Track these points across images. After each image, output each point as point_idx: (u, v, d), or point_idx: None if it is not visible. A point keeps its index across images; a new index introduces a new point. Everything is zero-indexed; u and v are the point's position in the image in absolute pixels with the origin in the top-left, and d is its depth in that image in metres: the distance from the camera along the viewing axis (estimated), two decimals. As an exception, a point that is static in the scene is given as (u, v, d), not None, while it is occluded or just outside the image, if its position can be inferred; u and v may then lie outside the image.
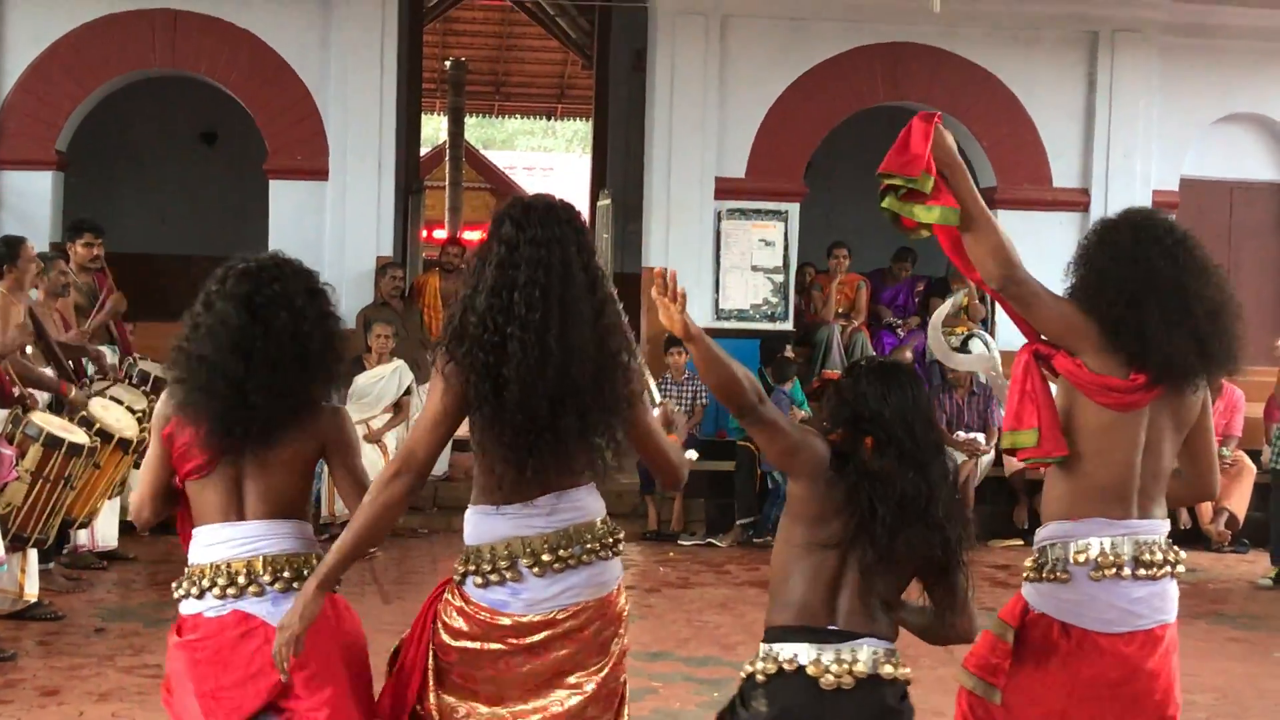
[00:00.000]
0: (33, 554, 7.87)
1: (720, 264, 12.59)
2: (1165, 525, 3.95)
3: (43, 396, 8.14)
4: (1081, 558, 3.82)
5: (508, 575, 3.57)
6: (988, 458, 11.74)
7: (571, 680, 3.62)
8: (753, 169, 12.58)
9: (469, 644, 3.61)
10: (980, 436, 11.74)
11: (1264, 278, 13.55)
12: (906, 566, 3.45)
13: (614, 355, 3.62)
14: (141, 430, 8.63)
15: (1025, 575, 3.95)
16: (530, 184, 32.13)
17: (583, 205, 22.81)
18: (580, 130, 33.44)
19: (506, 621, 3.58)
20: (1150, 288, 3.84)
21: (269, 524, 3.75)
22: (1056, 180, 12.95)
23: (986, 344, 12.36)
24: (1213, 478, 4.13)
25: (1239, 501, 11.68)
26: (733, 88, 12.61)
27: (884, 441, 3.44)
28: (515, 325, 3.49)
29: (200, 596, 3.73)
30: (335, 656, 3.71)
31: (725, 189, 12.57)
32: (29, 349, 8.15)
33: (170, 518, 3.93)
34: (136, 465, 9.10)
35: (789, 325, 12.61)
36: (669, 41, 12.55)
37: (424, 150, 22.73)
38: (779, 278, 12.63)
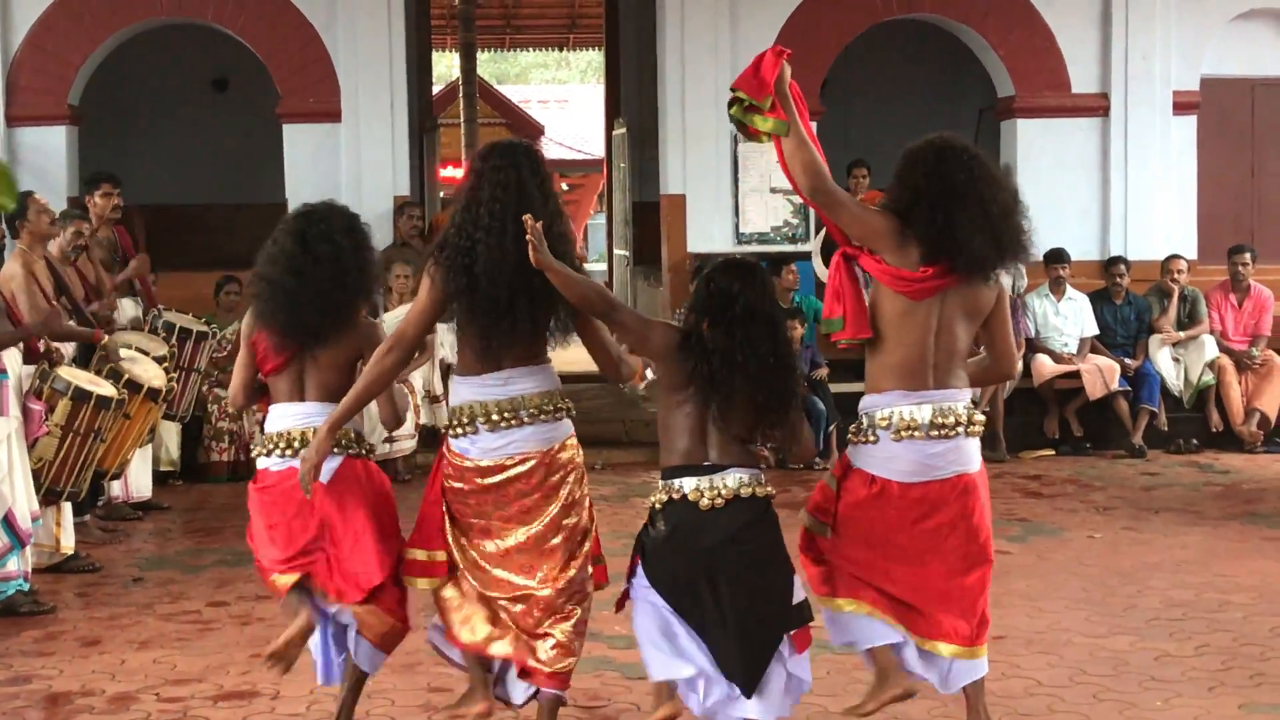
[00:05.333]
0: (67, 507, 7.92)
1: (739, 187, 12.49)
2: (963, 394, 4.74)
3: (68, 350, 8.15)
4: (884, 423, 4.68)
5: (469, 429, 4.71)
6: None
7: (533, 523, 4.74)
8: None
9: (453, 483, 4.79)
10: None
11: (1288, 174, 13.41)
12: (749, 412, 4.42)
13: (564, 256, 4.55)
14: (169, 378, 8.67)
15: (848, 438, 4.82)
16: (546, 117, 31.99)
17: (599, 135, 22.70)
18: (594, 60, 33.29)
19: (470, 464, 4.73)
20: (955, 198, 4.60)
21: (321, 405, 4.95)
22: (1075, 86, 12.76)
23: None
24: (1010, 360, 4.93)
25: (1270, 401, 11.65)
26: (744, 8, 12.46)
27: (717, 321, 4.39)
28: (481, 231, 4.58)
29: (269, 455, 5.00)
30: (363, 505, 4.92)
31: (741, 111, 12.43)
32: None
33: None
34: (166, 416, 9.17)
35: (810, 246, 12.54)
36: (677, -36, 12.41)
37: (437, 88, 22.62)
38: (798, 199, 12.50)
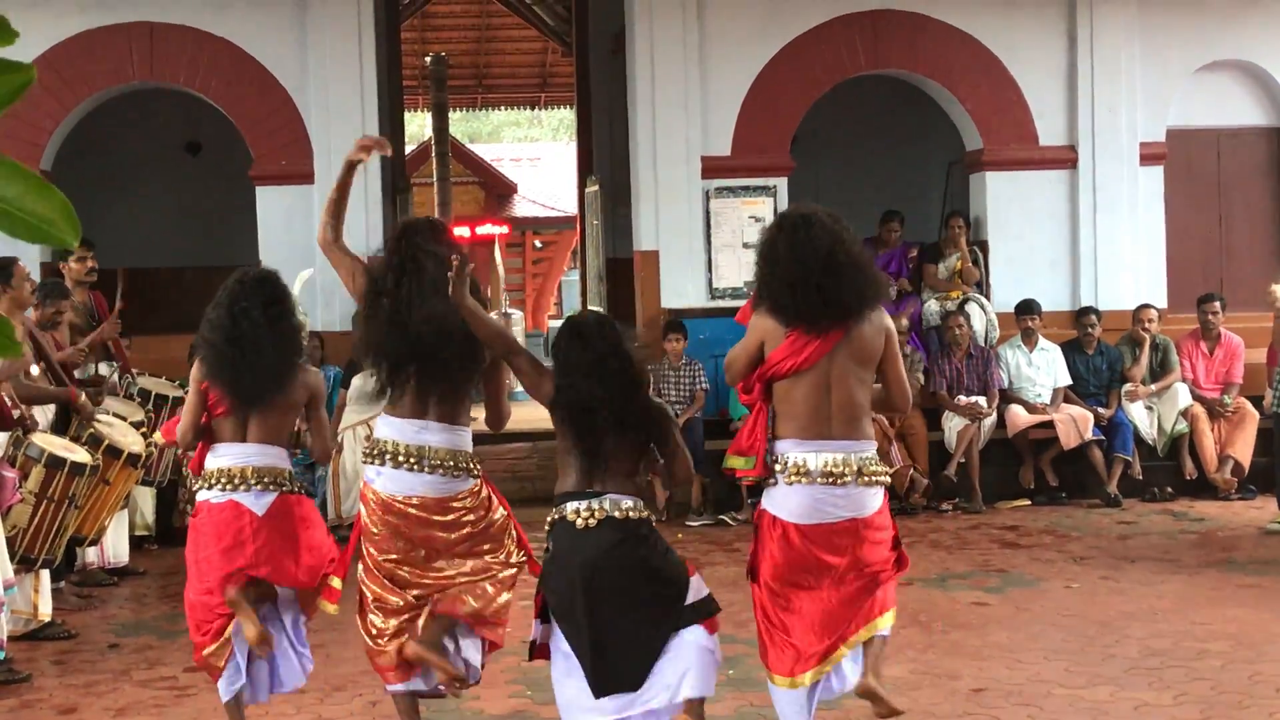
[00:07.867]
0: (45, 574, 7.87)
1: (711, 243, 12.54)
2: (862, 444, 5.08)
3: (44, 418, 8.11)
4: (778, 467, 5.07)
5: (376, 462, 5.27)
6: (990, 420, 11.75)
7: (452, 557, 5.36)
8: (739, 146, 12.54)
9: (367, 515, 5.37)
10: (981, 400, 11.75)
11: (1255, 223, 13.51)
12: (625, 448, 4.88)
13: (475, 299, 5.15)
14: (148, 443, 8.64)
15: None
16: (519, 175, 32.12)
17: (572, 192, 22.75)
18: (566, 118, 33.41)
19: (372, 494, 5.31)
20: (776, 265, 5.04)
21: (260, 446, 5.61)
22: (1042, 139, 12.89)
23: (982, 306, 12.38)
24: (902, 394, 5.25)
25: (1243, 448, 11.70)
26: (714, 65, 12.56)
27: (565, 377, 4.88)
28: (403, 310, 5.19)
29: (209, 489, 5.57)
30: (295, 529, 5.60)
31: (712, 167, 12.52)
32: (34, 370, 8.12)
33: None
34: (143, 482, 9.13)
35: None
36: (647, 22, 12.49)
37: (410, 148, 22.70)
38: (770, 253, 12.55)
